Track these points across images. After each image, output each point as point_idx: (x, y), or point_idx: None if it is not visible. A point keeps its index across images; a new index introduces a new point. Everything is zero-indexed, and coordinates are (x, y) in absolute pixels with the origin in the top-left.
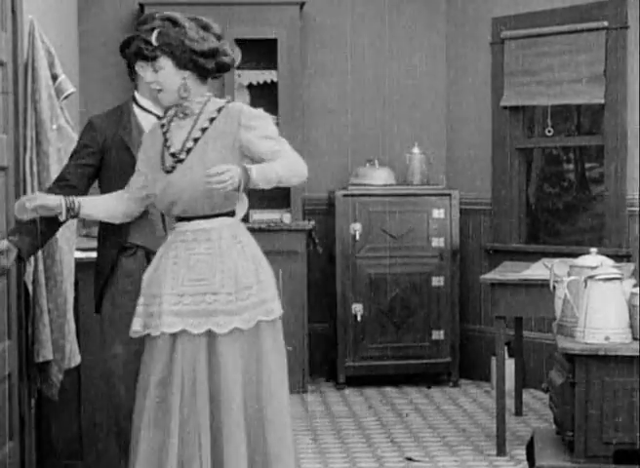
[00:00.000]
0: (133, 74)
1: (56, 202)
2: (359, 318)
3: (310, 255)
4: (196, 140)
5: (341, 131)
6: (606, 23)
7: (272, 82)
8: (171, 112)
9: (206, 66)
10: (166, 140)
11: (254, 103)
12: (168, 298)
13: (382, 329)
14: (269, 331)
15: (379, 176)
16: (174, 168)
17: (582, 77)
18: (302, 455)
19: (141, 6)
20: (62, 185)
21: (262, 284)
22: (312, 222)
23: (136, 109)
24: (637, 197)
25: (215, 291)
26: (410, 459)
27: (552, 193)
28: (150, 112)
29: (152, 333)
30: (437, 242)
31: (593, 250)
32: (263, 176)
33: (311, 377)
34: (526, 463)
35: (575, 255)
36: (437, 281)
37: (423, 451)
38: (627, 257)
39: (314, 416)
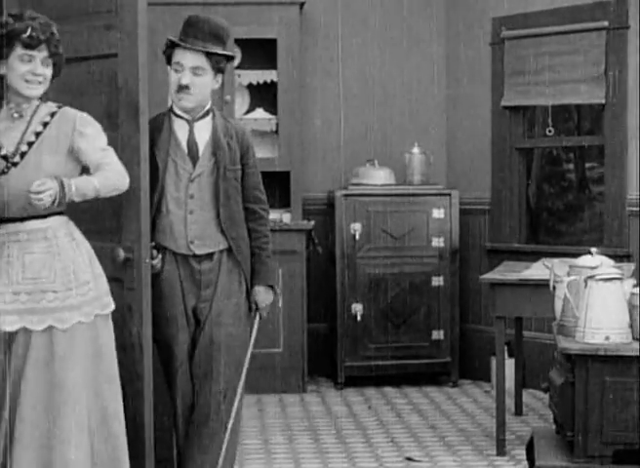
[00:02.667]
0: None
1: None
2: (359, 318)
3: (310, 255)
4: (30, 144)
5: (341, 131)
6: (606, 23)
7: (272, 82)
8: (2, 113)
9: None
10: None
11: (253, 103)
12: (3, 297)
13: (382, 328)
14: (104, 325)
15: (379, 176)
16: (6, 171)
17: (582, 77)
18: (302, 455)
19: None
20: None
21: (98, 279)
22: (312, 222)
23: (172, 113)
24: (637, 197)
25: (55, 289)
26: (409, 459)
27: (552, 193)
28: (180, 117)
29: None
30: (437, 242)
31: (593, 250)
32: (81, 192)
33: (311, 377)
34: (526, 463)
35: (575, 255)
36: (437, 281)
37: (423, 451)
38: (627, 257)
39: (314, 416)
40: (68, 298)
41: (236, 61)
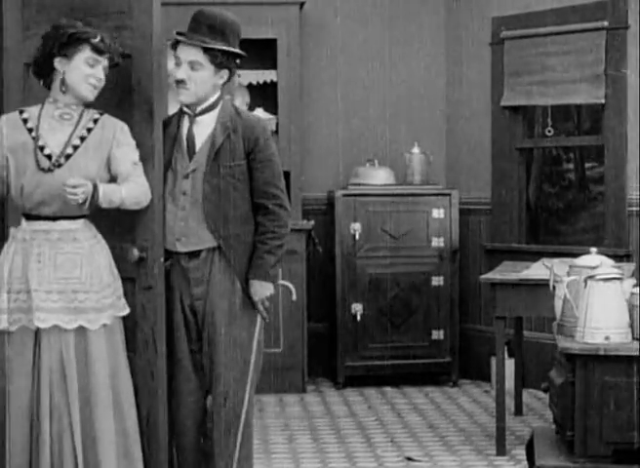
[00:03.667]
0: None
1: None
2: (359, 318)
3: (310, 255)
4: (75, 148)
5: (341, 131)
6: (606, 23)
7: (272, 82)
8: (47, 110)
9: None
10: (37, 138)
11: (254, 103)
12: (36, 295)
13: (382, 328)
14: (119, 327)
15: (378, 176)
16: (51, 170)
17: (582, 77)
18: (302, 455)
19: None
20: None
21: (117, 281)
22: (312, 222)
23: (182, 109)
24: (637, 197)
25: (86, 289)
26: (409, 459)
27: (552, 193)
28: (186, 112)
29: (12, 328)
30: (437, 242)
31: (593, 249)
32: (108, 198)
33: (311, 377)
34: (526, 463)
35: (575, 255)
36: (437, 281)
37: (423, 451)
38: (627, 257)
39: (314, 416)
40: (97, 300)
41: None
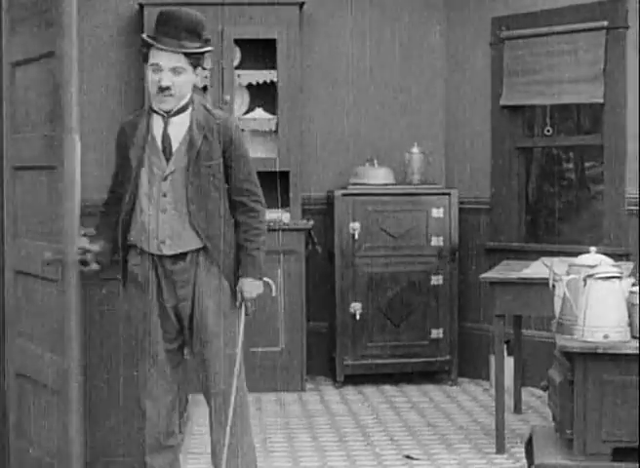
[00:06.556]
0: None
1: None
2: (358, 317)
3: (309, 255)
4: None
5: (341, 131)
6: (606, 23)
7: (272, 82)
8: None
9: None
10: None
11: (253, 103)
12: None
13: (381, 327)
14: None
15: (378, 176)
16: None
17: (582, 77)
18: (301, 454)
19: (141, 6)
20: (118, 185)
21: None
22: (311, 222)
23: (151, 109)
24: (637, 196)
25: None
26: (409, 457)
27: (552, 192)
28: (156, 112)
29: None
30: (436, 241)
31: (592, 248)
32: None
33: (310, 376)
34: (525, 461)
35: (574, 254)
36: (436, 280)
37: (422, 449)
38: (626, 256)
39: (313, 415)
40: None
41: (236, 61)
